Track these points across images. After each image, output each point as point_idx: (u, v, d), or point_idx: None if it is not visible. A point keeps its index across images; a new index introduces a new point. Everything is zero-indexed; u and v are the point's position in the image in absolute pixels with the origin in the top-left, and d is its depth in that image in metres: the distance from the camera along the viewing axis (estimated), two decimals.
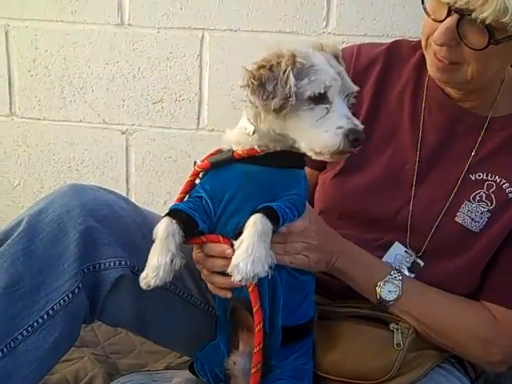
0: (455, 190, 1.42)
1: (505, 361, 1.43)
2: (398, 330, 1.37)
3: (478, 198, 1.41)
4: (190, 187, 1.27)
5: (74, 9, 2.21)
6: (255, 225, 1.11)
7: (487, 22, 1.19)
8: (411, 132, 1.47)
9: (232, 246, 1.15)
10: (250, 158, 1.19)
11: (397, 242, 1.44)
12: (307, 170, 1.65)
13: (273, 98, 1.10)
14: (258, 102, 1.12)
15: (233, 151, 1.21)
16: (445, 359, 1.45)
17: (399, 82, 1.51)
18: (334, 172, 1.52)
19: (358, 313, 1.43)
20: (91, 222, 1.30)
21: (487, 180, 1.41)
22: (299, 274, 1.28)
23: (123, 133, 2.28)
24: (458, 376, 1.45)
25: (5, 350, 1.22)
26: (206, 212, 1.21)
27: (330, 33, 2.09)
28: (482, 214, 1.40)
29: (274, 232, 1.14)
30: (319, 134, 1.11)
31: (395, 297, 1.35)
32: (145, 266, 1.30)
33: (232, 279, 1.09)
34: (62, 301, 1.27)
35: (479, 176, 1.42)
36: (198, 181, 1.26)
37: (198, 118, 2.24)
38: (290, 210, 1.18)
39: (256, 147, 1.19)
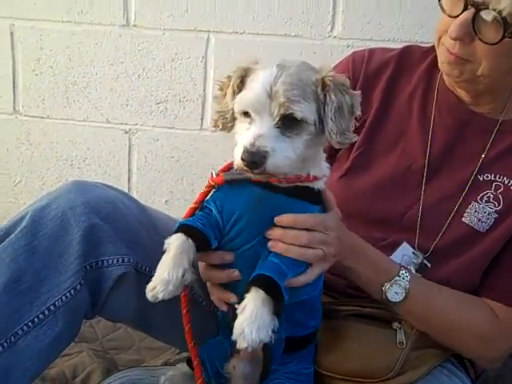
0: (463, 190, 1.43)
1: (502, 358, 1.45)
2: (400, 328, 1.38)
3: (485, 198, 1.42)
4: (204, 198, 1.26)
5: (79, 9, 2.23)
6: (258, 290, 1.11)
7: (504, 14, 1.21)
8: (420, 133, 1.48)
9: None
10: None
11: (405, 243, 1.45)
12: None
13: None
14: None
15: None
16: (446, 359, 1.45)
17: (410, 85, 1.53)
18: (341, 172, 1.53)
19: (360, 311, 1.44)
20: (95, 219, 1.30)
21: (495, 181, 1.42)
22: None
23: (126, 132, 2.29)
24: (459, 376, 1.45)
25: (5, 344, 1.21)
26: (219, 228, 1.20)
27: (335, 37, 2.10)
28: (489, 214, 1.41)
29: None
30: (235, 150, 1.11)
31: (401, 299, 1.35)
32: (148, 263, 1.33)
33: (237, 346, 1.08)
34: (63, 297, 1.26)
35: (487, 177, 1.43)
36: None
37: (202, 119, 2.25)
38: (292, 266, 1.17)
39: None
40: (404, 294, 1.34)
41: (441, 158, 1.46)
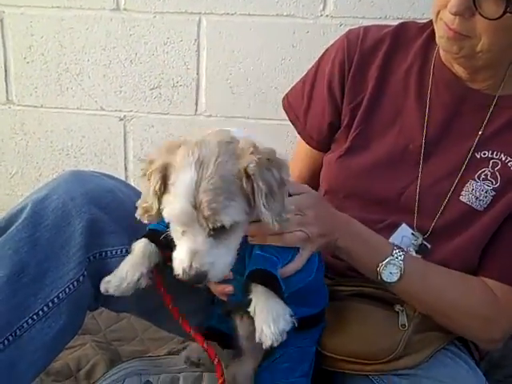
0: (461, 168, 1.42)
1: (503, 338, 1.45)
2: (403, 311, 1.39)
3: (482, 176, 1.41)
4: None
5: None
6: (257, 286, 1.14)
7: None
8: (417, 111, 1.46)
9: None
10: None
11: (404, 224, 1.44)
12: (311, 151, 1.64)
13: None
14: None
15: None
16: (450, 342, 1.45)
17: (405, 62, 1.50)
18: (340, 152, 1.52)
19: (362, 291, 1.44)
20: (95, 209, 1.30)
21: (492, 158, 1.41)
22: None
23: (121, 119, 2.27)
24: (463, 358, 1.46)
25: (10, 338, 1.21)
26: None
27: (327, 15, 2.05)
28: (486, 192, 1.40)
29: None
30: (174, 254, 1.11)
31: (396, 279, 1.34)
32: None
33: (264, 347, 1.11)
34: (67, 289, 1.26)
35: (484, 154, 1.41)
36: None
37: (196, 104, 2.22)
38: (278, 254, 1.18)
39: None
40: (399, 274, 1.33)
41: (438, 136, 1.45)
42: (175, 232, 1.12)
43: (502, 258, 1.41)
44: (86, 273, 1.28)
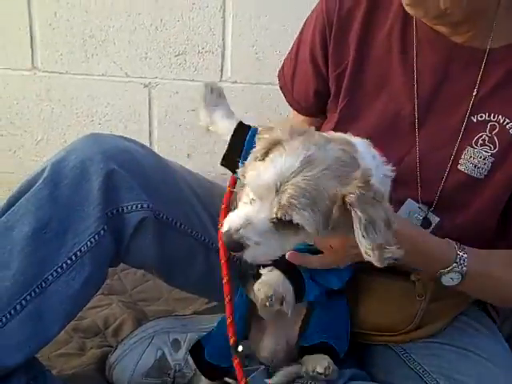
0: (458, 135, 1.33)
1: None
2: (419, 280, 1.35)
3: (480, 141, 1.32)
4: (229, 199, 1.29)
5: None
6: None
7: None
8: (404, 75, 1.37)
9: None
10: None
11: (409, 199, 1.36)
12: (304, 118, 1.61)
13: None
14: None
15: None
16: (468, 307, 1.43)
17: (386, 23, 1.39)
18: (331, 125, 1.44)
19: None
20: (113, 165, 1.32)
21: (490, 121, 1.32)
22: None
23: (146, 86, 2.26)
24: (484, 323, 1.44)
25: (36, 290, 1.26)
26: None
27: None
28: (485, 159, 1.31)
29: None
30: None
31: (456, 283, 1.26)
32: (165, 211, 1.40)
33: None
34: (88, 242, 1.30)
35: (481, 117, 1.32)
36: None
37: (221, 70, 2.21)
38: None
39: None
40: (460, 279, 1.25)
41: (430, 100, 1.35)
42: (245, 195, 1.09)
43: None
44: (105, 227, 1.31)
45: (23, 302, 1.24)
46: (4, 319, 1.22)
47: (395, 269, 1.34)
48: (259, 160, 1.08)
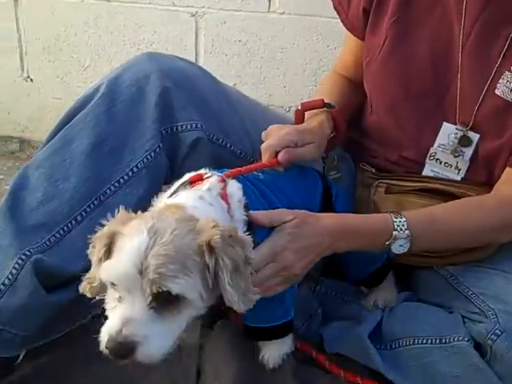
0: (498, 58, 1.34)
1: None
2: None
3: None
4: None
5: None
6: None
7: None
8: None
9: None
10: None
11: (444, 123, 1.41)
12: (355, 41, 1.58)
13: None
14: None
15: None
16: None
17: None
18: (380, 47, 1.46)
19: (426, 187, 1.43)
20: (168, 83, 1.34)
21: None
22: None
23: (193, 15, 2.25)
24: None
25: (95, 202, 1.29)
26: None
27: None
28: None
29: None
30: (103, 328, 0.95)
31: (408, 247, 1.26)
32: (219, 133, 1.42)
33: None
34: (145, 159, 1.32)
35: None
36: None
37: (269, 1, 2.18)
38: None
39: None
40: (409, 243, 1.26)
41: (474, 22, 1.35)
42: (110, 299, 0.98)
43: None
44: (161, 145, 1.33)
45: (83, 213, 1.27)
46: (66, 228, 1.26)
47: (442, 192, 1.41)
48: (104, 260, 0.99)
